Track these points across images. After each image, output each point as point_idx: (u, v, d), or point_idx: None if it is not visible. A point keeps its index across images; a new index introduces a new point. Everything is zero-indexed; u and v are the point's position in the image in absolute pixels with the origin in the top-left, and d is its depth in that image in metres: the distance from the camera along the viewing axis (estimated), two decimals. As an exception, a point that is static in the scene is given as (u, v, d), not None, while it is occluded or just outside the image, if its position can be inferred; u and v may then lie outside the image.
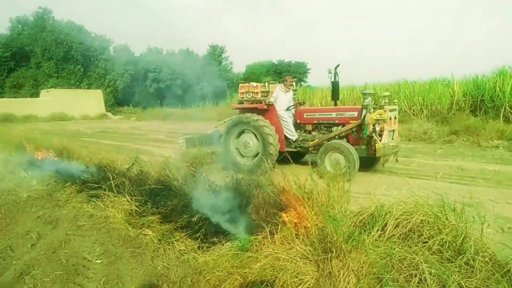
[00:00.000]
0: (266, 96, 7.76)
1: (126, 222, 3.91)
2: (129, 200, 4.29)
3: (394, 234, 2.77)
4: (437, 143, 10.82)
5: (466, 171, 6.91)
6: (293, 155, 6.83)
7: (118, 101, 39.26)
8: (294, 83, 8.32)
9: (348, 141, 6.81)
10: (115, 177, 4.81)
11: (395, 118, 6.86)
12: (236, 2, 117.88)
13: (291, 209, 3.16)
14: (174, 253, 3.31)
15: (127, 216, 4.04)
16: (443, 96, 14.30)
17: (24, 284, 2.92)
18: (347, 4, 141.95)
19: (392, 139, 6.83)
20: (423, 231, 2.71)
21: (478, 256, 2.46)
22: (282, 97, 7.69)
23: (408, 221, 2.78)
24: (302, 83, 42.77)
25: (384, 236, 2.77)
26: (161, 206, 4.16)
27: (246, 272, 2.67)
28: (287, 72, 43.37)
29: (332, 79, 7.78)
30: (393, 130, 6.87)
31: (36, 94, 33.03)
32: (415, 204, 2.95)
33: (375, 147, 6.29)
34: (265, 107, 7.48)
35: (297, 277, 2.48)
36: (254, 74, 45.71)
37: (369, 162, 7.05)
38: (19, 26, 38.71)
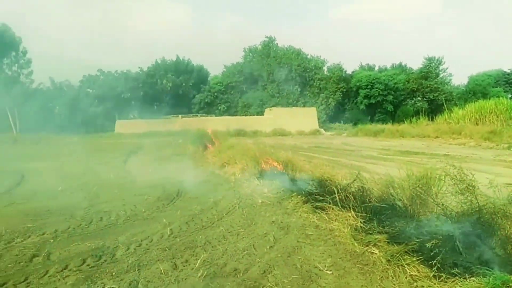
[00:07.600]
0: None
1: (352, 237, 3.96)
2: (355, 215, 4.33)
3: None
4: None
5: None
6: None
7: (329, 117, 41.09)
8: None
9: None
10: (339, 191, 4.96)
11: None
12: (452, 6, 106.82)
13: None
14: (406, 277, 3.13)
15: (352, 231, 4.09)
16: None
17: (268, 281, 3.28)
18: None
19: None
20: None
21: None
22: None
23: None
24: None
25: None
26: (387, 225, 4.04)
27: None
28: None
29: None
30: None
31: (261, 113, 38.06)
32: None
33: None
34: None
35: None
36: (479, 85, 40.17)
37: None
38: (250, 54, 45.49)
